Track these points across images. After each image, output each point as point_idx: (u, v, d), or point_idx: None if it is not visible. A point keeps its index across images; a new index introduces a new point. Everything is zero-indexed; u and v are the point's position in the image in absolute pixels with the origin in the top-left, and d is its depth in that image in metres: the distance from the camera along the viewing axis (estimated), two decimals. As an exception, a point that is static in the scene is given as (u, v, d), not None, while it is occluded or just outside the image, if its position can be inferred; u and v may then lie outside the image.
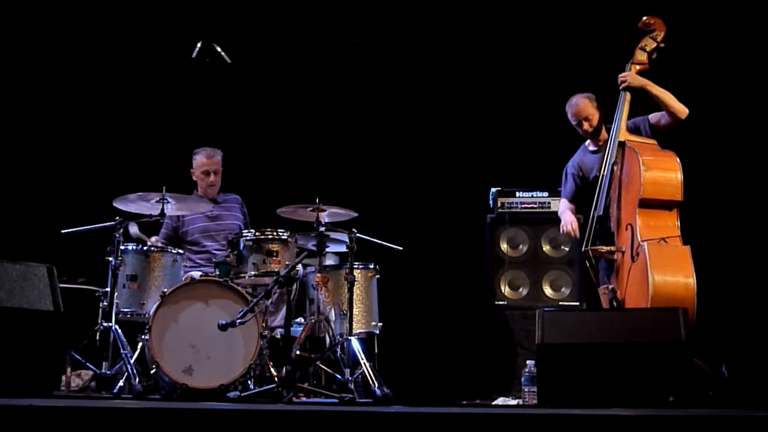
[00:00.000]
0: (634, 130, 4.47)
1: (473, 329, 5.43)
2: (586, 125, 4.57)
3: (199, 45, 4.73)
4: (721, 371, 4.20)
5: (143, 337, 4.21)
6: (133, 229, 4.52)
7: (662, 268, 3.93)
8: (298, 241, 4.58)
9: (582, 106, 4.58)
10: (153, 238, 4.89)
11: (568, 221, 4.64)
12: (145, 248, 4.47)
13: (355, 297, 4.47)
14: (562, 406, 3.36)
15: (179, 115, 6.01)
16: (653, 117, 4.47)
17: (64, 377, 4.21)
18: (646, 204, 4.12)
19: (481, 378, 5.09)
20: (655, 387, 3.44)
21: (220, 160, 5.18)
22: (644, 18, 4.47)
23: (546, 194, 5.33)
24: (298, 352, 4.34)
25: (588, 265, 4.43)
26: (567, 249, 5.25)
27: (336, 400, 4.12)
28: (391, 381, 4.44)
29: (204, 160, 5.13)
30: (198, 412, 2.82)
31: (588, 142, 4.70)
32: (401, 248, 4.81)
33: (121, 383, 4.09)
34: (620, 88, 4.44)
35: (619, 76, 4.45)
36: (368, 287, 4.68)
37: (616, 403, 3.37)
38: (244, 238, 4.49)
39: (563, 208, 4.77)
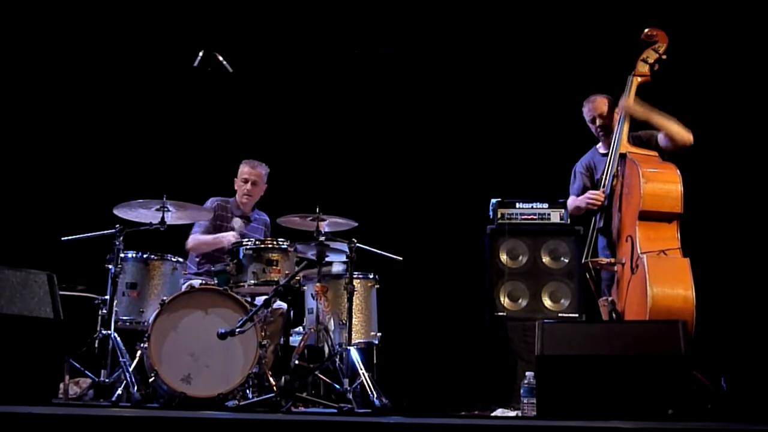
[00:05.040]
0: (646, 140, 4.45)
1: (472, 340, 5.42)
2: (600, 122, 4.54)
3: (201, 54, 4.74)
4: (720, 384, 4.19)
5: (142, 345, 4.21)
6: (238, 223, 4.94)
7: (661, 280, 3.92)
8: (298, 251, 4.58)
9: (600, 102, 4.56)
10: (197, 238, 5.02)
11: (586, 194, 4.54)
12: (144, 256, 4.47)
13: (354, 307, 4.47)
14: (561, 418, 3.36)
15: (181, 124, 6.03)
16: (661, 139, 4.42)
17: (62, 385, 4.20)
18: (645, 216, 4.12)
19: (480, 389, 5.07)
20: (655, 400, 3.44)
21: (263, 174, 5.21)
22: (646, 30, 4.45)
23: (546, 205, 5.33)
24: (296, 362, 4.34)
25: (588, 276, 4.42)
26: (566, 261, 5.25)
27: (335, 410, 4.11)
28: (390, 391, 4.43)
29: (245, 169, 5.22)
30: (196, 421, 2.81)
31: (599, 144, 4.70)
32: (401, 258, 4.81)
33: (119, 391, 4.07)
34: (620, 115, 4.42)
35: (620, 101, 4.41)
36: (368, 297, 4.69)
37: (616, 415, 3.36)
38: (244, 247, 4.50)
39: (573, 200, 4.74)
